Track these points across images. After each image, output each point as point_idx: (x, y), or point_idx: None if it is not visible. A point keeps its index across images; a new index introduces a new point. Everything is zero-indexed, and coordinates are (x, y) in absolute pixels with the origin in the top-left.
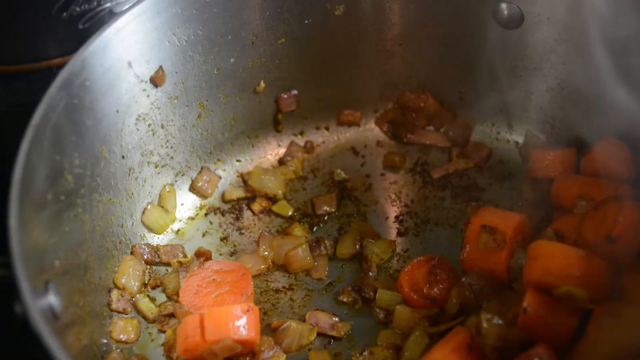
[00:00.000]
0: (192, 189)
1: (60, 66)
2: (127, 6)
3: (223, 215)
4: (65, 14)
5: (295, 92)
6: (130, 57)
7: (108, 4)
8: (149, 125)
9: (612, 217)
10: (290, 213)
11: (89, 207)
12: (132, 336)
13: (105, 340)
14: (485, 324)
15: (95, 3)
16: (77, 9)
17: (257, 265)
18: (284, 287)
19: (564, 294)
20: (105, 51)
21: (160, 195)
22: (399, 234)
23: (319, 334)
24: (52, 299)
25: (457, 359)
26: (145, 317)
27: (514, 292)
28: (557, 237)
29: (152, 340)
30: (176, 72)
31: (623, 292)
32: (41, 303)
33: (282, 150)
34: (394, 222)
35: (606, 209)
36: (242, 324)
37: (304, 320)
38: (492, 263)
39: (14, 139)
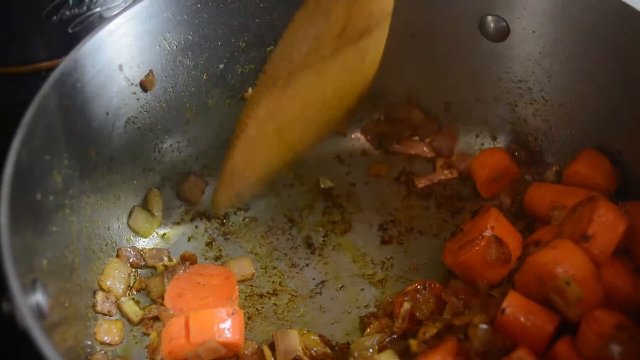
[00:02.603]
0: (179, 194)
1: (49, 69)
2: (116, 11)
3: (209, 220)
4: (55, 17)
5: None
6: (121, 60)
7: (98, 9)
8: (138, 128)
9: (587, 216)
10: None
11: (76, 208)
12: (117, 338)
13: (89, 342)
14: (472, 330)
15: (85, 7)
16: (67, 12)
17: (243, 270)
18: (268, 293)
19: (559, 287)
20: (97, 53)
21: (147, 199)
22: (383, 242)
23: None
24: (39, 298)
25: None
26: (129, 320)
27: (495, 299)
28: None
29: (136, 342)
30: (166, 77)
31: None
32: (29, 301)
33: None
34: (378, 230)
35: (582, 210)
36: (226, 326)
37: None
38: (491, 273)
39: (1, 140)
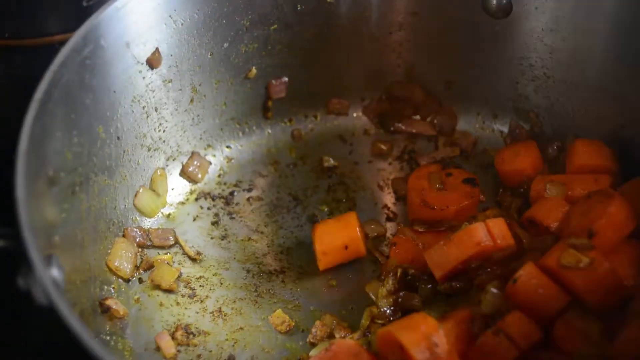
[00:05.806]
0: (183, 173)
1: (63, 42)
2: None
3: (213, 199)
4: None
5: (285, 79)
6: (128, 38)
7: None
8: (143, 107)
9: (598, 211)
10: None
11: (85, 186)
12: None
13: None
14: (483, 293)
15: None
16: None
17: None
18: (275, 270)
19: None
20: (105, 30)
21: (151, 179)
22: (388, 219)
23: None
24: (55, 272)
25: (456, 331)
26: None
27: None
28: (528, 225)
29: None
30: (171, 55)
31: None
32: (48, 274)
33: (271, 137)
34: (383, 207)
35: (594, 202)
36: None
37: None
38: None
39: (15, 112)
